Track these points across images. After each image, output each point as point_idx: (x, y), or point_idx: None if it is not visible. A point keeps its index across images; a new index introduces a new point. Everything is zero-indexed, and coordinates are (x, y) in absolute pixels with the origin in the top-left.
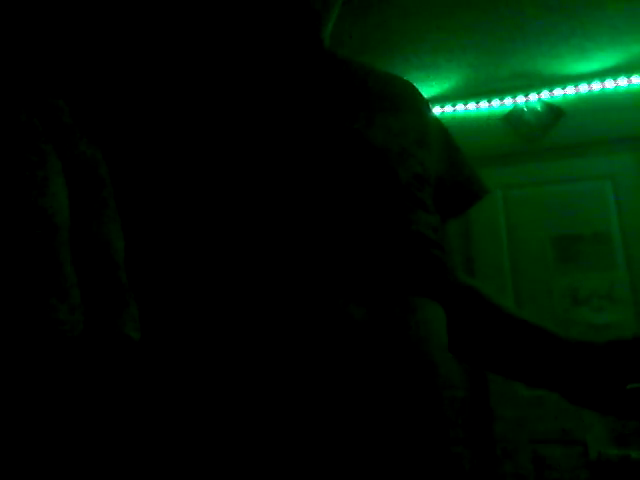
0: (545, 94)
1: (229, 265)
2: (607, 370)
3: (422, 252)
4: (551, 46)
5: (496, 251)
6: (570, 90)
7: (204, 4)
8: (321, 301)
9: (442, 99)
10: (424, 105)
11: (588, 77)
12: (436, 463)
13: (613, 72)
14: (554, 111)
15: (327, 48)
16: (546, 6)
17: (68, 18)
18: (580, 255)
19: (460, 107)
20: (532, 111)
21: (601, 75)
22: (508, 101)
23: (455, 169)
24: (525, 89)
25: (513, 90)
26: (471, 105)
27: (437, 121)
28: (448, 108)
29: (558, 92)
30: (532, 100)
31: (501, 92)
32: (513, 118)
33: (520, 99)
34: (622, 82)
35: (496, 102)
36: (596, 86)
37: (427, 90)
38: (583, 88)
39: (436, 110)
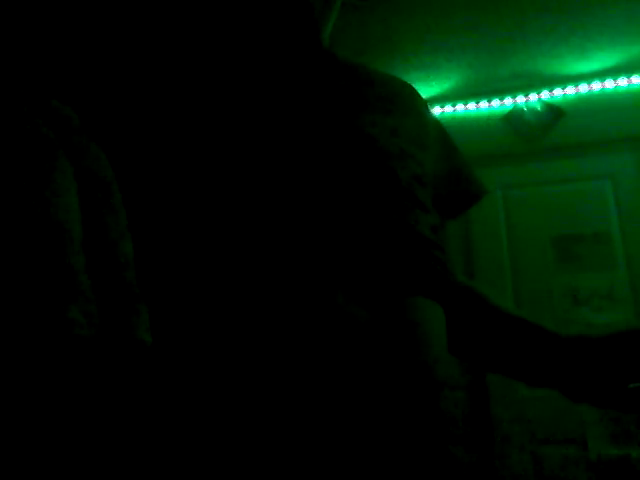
0: (545, 94)
1: (230, 266)
2: (604, 363)
3: (422, 252)
4: (551, 46)
5: (496, 251)
6: (570, 90)
7: (204, 6)
8: (321, 301)
9: (442, 99)
10: (423, 106)
11: (588, 77)
12: (435, 463)
13: (613, 72)
14: (554, 111)
15: (327, 49)
16: (546, 6)
17: (68, 20)
18: (580, 255)
19: (460, 107)
20: (532, 111)
21: (601, 75)
22: (508, 101)
23: (454, 170)
24: (525, 89)
25: (513, 90)
26: (471, 105)
27: (436, 122)
28: (448, 108)
29: (558, 92)
30: (532, 100)
31: (501, 92)
32: (513, 118)
33: (520, 99)
34: (622, 82)
35: (496, 102)
36: (596, 86)
37: (427, 90)
38: (583, 88)
39: (436, 110)
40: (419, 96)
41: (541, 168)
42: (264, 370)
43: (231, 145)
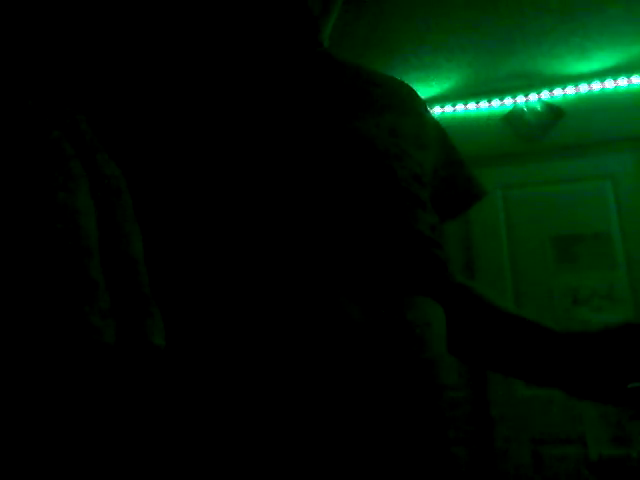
0: (545, 94)
1: (229, 265)
2: (601, 358)
3: (422, 251)
4: (551, 46)
5: (496, 251)
6: (570, 90)
7: (204, 7)
8: (321, 300)
9: (442, 99)
10: (421, 106)
11: (588, 77)
12: (435, 463)
13: (613, 72)
14: (554, 111)
15: (327, 49)
16: (546, 6)
17: (68, 23)
18: (580, 255)
19: (460, 107)
20: (532, 111)
21: (601, 75)
22: (508, 101)
23: (453, 170)
24: (525, 89)
25: (513, 90)
26: (471, 105)
27: (435, 122)
28: (448, 108)
29: (558, 92)
30: (532, 100)
31: (501, 92)
32: (513, 118)
33: (520, 99)
34: (622, 82)
35: (496, 102)
36: (596, 86)
37: (427, 90)
38: (583, 88)
39: (436, 110)
40: (418, 96)
41: (541, 168)
42: (264, 369)
43: (232, 146)
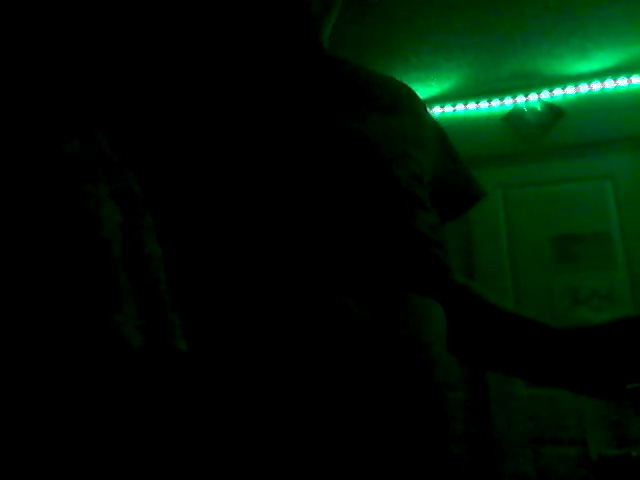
0: (545, 94)
1: (230, 265)
2: (602, 352)
3: (422, 251)
4: (551, 46)
5: (496, 251)
6: (570, 90)
7: (204, 9)
8: (321, 299)
9: (442, 99)
10: (421, 107)
11: (588, 77)
12: (436, 463)
13: (613, 72)
14: (554, 111)
15: (327, 50)
16: (546, 6)
17: (70, 24)
18: (580, 255)
19: (460, 107)
20: (532, 111)
21: (601, 75)
22: (508, 101)
23: (452, 171)
24: (525, 89)
25: (513, 90)
26: (471, 105)
27: (434, 123)
28: (448, 108)
29: (558, 92)
30: (532, 100)
31: (501, 92)
32: (513, 118)
33: (520, 99)
34: (622, 82)
35: (496, 102)
36: (596, 86)
37: (427, 90)
38: (583, 88)
39: (436, 110)
40: (417, 97)
41: (541, 168)
42: (265, 369)
43: (233, 148)
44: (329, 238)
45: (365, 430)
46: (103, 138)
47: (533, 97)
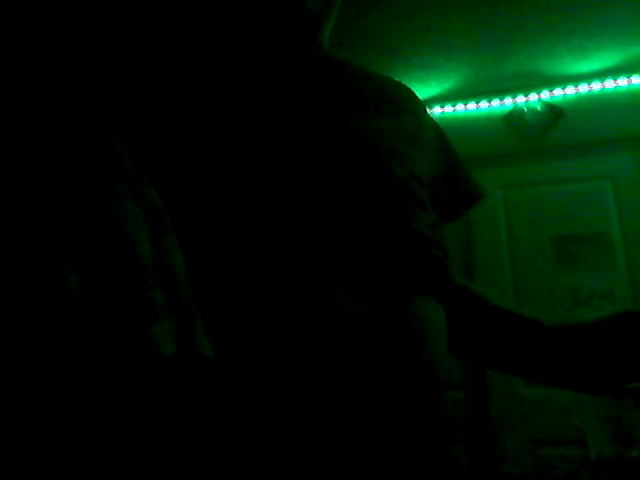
0: (545, 94)
1: (229, 266)
2: (602, 347)
3: (421, 250)
4: (551, 46)
5: (496, 251)
6: (570, 90)
7: (204, 9)
8: (321, 299)
9: (442, 99)
10: (420, 107)
11: (588, 77)
12: (436, 463)
13: (613, 72)
14: (554, 111)
15: (326, 50)
16: (546, 6)
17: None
18: (580, 255)
19: (460, 107)
20: (532, 111)
21: (601, 75)
22: (508, 101)
23: (451, 172)
24: (525, 89)
25: (513, 90)
26: (471, 105)
27: (433, 123)
28: (448, 108)
29: (558, 92)
30: (532, 100)
31: (501, 92)
32: (513, 118)
33: (520, 99)
34: (622, 82)
35: (496, 102)
36: (596, 86)
37: (427, 90)
38: (583, 88)
39: (436, 110)
40: (416, 97)
41: (541, 168)
42: (265, 369)
43: (231, 147)
44: (328, 238)
45: (366, 430)
46: (122, 148)
47: (533, 97)
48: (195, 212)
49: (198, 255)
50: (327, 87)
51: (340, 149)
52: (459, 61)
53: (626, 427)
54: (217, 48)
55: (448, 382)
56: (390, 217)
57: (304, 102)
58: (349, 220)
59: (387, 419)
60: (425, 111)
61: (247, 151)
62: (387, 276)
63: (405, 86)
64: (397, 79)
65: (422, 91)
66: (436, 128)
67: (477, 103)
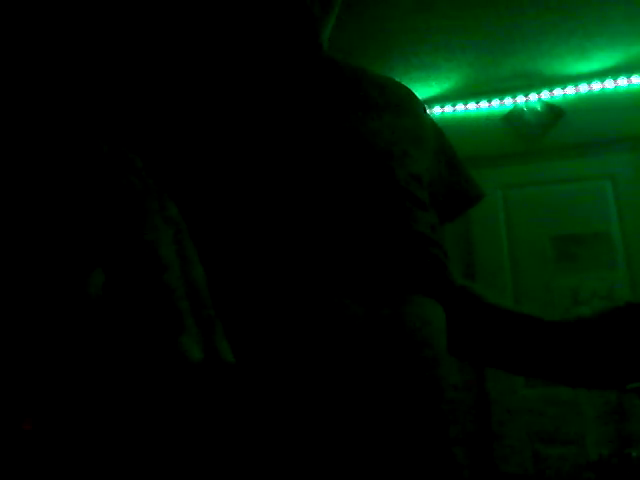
0: (545, 94)
1: (230, 267)
2: (603, 341)
3: (422, 251)
4: (551, 46)
5: (496, 251)
6: (570, 90)
7: (204, 10)
8: (321, 299)
9: (442, 99)
10: (420, 107)
11: (588, 77)
12: (436, 463)
13: (613, 72)
14: (554, 111)
15: (326, 51)
16: (546, 6)
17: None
18: (580, 255)
19: (460, 107)
20: (532, 111)
21: (601, 75)
22: (508, 101)
23: (451, 172)
24: (525, 89)
25: (513, 90)
26: (471, 105)
27: (433, 124)
28: (448, 108)
29: (558, 92)
30: (532, 100)
31: (501, 92)
32: (513, 118)
33: (520, 99)
34: (622, 82)
35: (496, 102)
36: (596, 86)
37: (427, 90)
38: (583, 88)
39: (436, 110)
40: (416, 98)
41: (541, 168)
42: (266, 369)
43: (232, 148)
44: (329, 239)
45: (366, 429)
46: (142, 167)
47: (533, 97)
48: (202, 218)
49: (209, 261)
50: (327, 88)
51: (340, 150)
52: (459, 61)
53: (626, 427)
54: (219, 49)
55: (448, 382)
56: (390, 217)
57: (304, 103)
58: (349, 221)
59: (388, 419)
60: (425, 111)
61: (248, 154)
62: (387, 276)
63: (405, 86)
64: (397, 79)
65: (422, 91)
66: (436, 128)
67: (477, 103)
